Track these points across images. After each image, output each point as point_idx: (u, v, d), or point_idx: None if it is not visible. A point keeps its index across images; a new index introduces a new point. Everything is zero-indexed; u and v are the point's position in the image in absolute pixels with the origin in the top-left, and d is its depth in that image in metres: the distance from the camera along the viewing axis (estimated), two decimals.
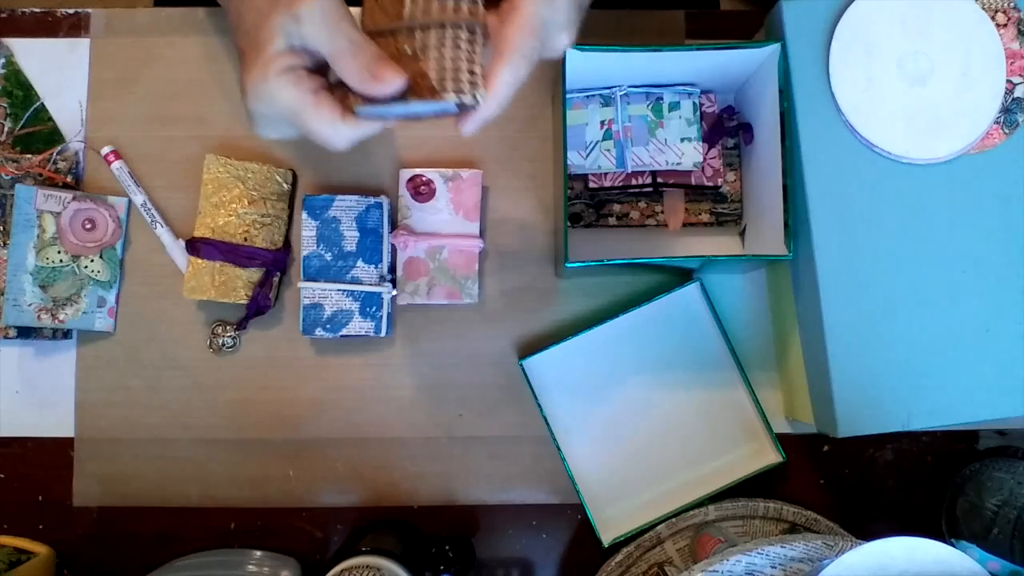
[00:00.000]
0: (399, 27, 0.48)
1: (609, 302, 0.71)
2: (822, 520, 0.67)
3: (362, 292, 0.68)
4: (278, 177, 0.69)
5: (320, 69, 0.48)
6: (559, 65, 0.62)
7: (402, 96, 0.47)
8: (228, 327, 0.70)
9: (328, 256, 0.68)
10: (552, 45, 0.49)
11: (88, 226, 0.69)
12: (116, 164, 0.70)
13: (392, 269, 0.69)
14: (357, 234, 0.68)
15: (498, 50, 0.46)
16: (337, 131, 0.47)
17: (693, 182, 0.69)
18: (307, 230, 0.68)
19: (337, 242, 0.68)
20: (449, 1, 0.49)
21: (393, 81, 0.46)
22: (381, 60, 0.46)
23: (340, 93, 0.49)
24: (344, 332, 0.67)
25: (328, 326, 0.67)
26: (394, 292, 0.68)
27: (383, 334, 0.68)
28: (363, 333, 0.68)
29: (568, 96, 0.68)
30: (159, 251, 0.71)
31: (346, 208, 0.68)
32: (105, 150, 0.70)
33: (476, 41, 0.48)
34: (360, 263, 0.68)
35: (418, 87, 0.47)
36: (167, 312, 0.71)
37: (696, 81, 0.68)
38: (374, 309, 0.68)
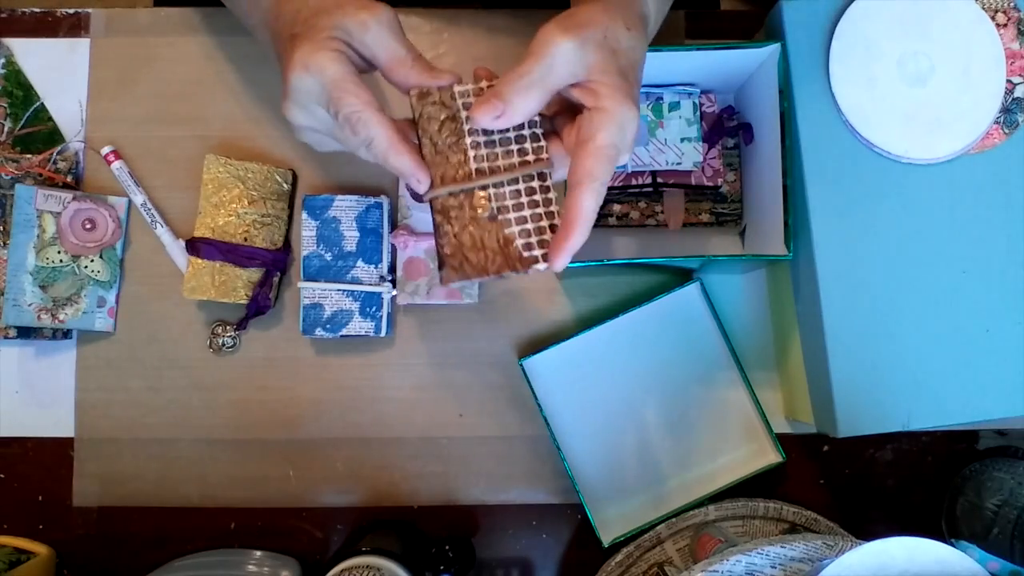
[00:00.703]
0: (472, 184, 0.48)
1: (609, 302, 0.71)
2: (822, 520, 0.67)
3: (362, 292, 0.68)
4: (278, 177, 0.69)
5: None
6: None
7: (484, 269, 0.47)
8: (228, 327, 0.70)
9: (328, 256, 0.68)
10: (628, 138, 0.48)
11: (88, 226, 0.69)
12: (116, 164, 0.70)
13: (392, 269, 0.69)
14: (357, 234, 0.68)
15: (577, 179, 0.45)
16: (378, 130, 0.47)
17: (693, 182, 0.69)
18: (307, 230, 0.68)
19: (337, 242, 0.68)
20: (513, 145, 0.48)
21: (447, 78, 0.48)
22: (434, 69, 0.48)
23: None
24: (344, 332, 0.67)
25: (328, 326, 0.67)
26: (394, 292, 0.68)
27: (383, 334, 0.68)
28: (363, 333, 0.68)
29: None
30: (159, 251, 0.71)
31: (346, 208, 0.68)
32: (105, 150, 0.70)
33: (549, 189, 0.48)
34: (360, 263, 0.68)
35: (507, 256, 0.47)
36: (167, 312, 0.71)
37: (696, 81, 0.68)
38: (374, 309, 0.68)
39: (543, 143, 0.48)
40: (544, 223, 0.48)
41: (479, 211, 0.48)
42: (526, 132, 0.48)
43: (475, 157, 0.48)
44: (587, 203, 0.45)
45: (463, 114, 0.48)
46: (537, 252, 0.47)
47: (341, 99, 0.46)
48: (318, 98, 0.47)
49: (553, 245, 0.46)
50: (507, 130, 0.48)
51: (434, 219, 0.48)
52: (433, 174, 0.48)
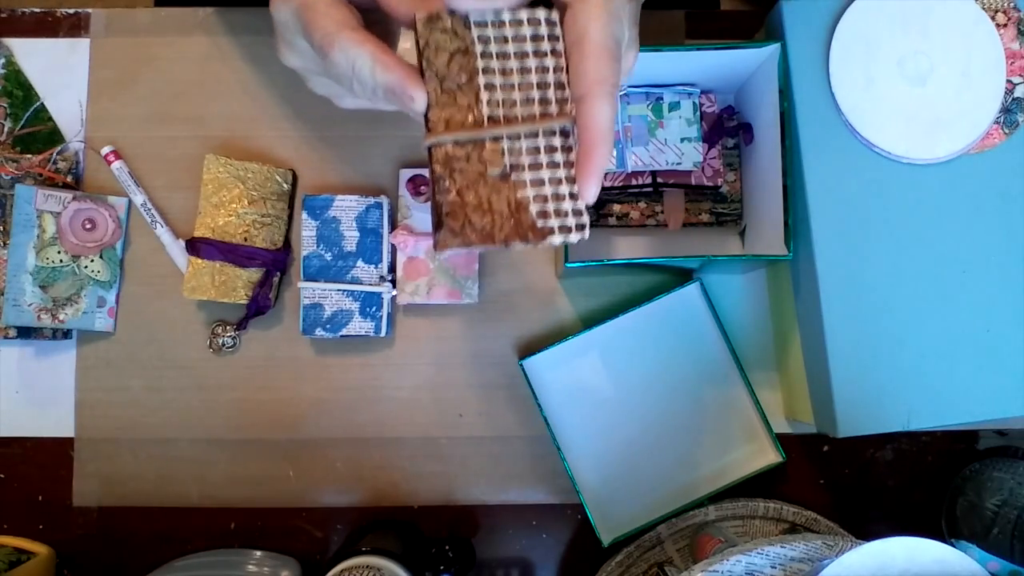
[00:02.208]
0: (482, 134, 0.40)
1: (609, 302, 0.71)
2: (822, 520, 0.67)
3: (362, 292, 0.68)
4: (278, 177, 0.69)
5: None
6: None
7: (490, 236, 0.40)
8: (228, 327, 0.70)
9: (328, 256, 0.68)
10: (624, 66, 0.43)
11: (88, 226, 0.69)
12: (116, 164, 0.70)
13: (392, 269, 0.69)
14: (357, 234, 0.68)
15: (583, 89, 0.39)
16: (364, 55, 0.40)
17: (693, 182, 0.69)
18: (307, 230, 0.68)
19: (337, 242, 0.68)
20: (535, 92, 0.40)
21: (419, 101, 0.40)
22: (402, 81, 0.40)
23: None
24: (344, 332, 0.67)
25: (328, 326, 0.67)
26: (394, 292, 0.68)
27: (383, 334, 0.68)
28: (363, 333, 0.68)
29: None
30: (159, 251, 0.71)
31: (346, 208, 0.68)
32: (105, 150, 0.70)
33: (572, 150, 0.41)
34: (360, 263, 0.68)
35: (518, 224, 0.40)
36: (167, 312, 0.71)
37: (696, 81, 0.68)
38: (374, 309, 0.68)
39: (568, 93, 0.40)
40: (564, 189, 0.40)
41: (489, 167, 0.40)
42: (551, 78, 0.41)
43: (489, 101, 0.40)
44: (602, 113, 0.39)
45: (478, 48, 0.40)
46: (553, 223, 0.40)
47: (311, 23, 0.40)
48: (298, 30, 0.41)
49: (579, 174, 0.40)
50: (529, 71, 0.40)
51: (433, 171, 0.40)
52: (437, 116, 0.40)
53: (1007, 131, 0.61)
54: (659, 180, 0.69)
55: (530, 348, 0.70)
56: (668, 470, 0.69)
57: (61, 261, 0.68)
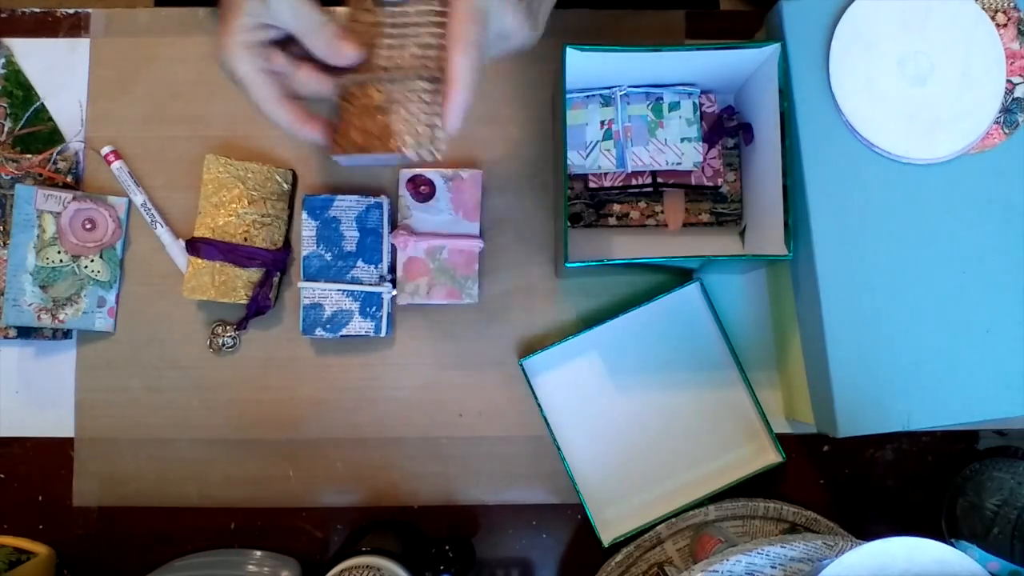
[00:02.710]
0: (372, 77, 0.54)
1: (609, 302, 0.71)
2: (822, 520, 0.67)
3: (362, 292, 0.68)
4: (278, 177, 0.69)
5: (284, 40, 0.53)
6: (559, 65, 0.62)
7: (365, 148, 0.53)
8: (228, 327, 0.70)
9: (328, 256, 0.68)
10: (504, 35, 0.52)
11: (88, 226, 0.69)
12: (116, 164, 0.70)
13: (392, 269, 0.69)
14: (357, 234, 0.68)
15: (450, 42, 0.49)
16: (273, 112, 0.53)
17: (693, 182, 0.69)
18: (307, 230, 0.68)
19: (337, 242, 0.68)
20: (419, 52, 0.53)
21: (351, 54, 0.53)
22: (341, 38, 0.53)
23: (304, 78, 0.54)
24: (344, 332, 0.67)
25: (328, 326, 0.67)
26: (394, 292, 0.68)
27: (383, 334, 0.68)
28: (363, 333, 0.68)
29: (568, 96, 0.68)
30: (159, 251, 0.71)
31: (346, 208, 0.68)
32: (105, 150, 0.70)
33: (437, 92, 0.52)
34: (360, 263, 0.68)
35: (386, 142, 0.53)
36: (167, 312, 0.71)
37: (696, 81, 0.68)
38: (374, 309, 0.68)
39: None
40: (424, 124, 0.52)
41: (372, 100, 0.54)
42: (434, 42, 0.52)
43: (384, 56, 0.53)
44: (460, 63, 0.49)
45: (386, 20, 0.54)
46: (413, 142, 0.52)
47: (250, 96, 0.53)
48: (236, 81, 0.53)
49: (443, 111, 0.50)
50: (419, 37, 0.53)
51: (337, 102, 0.55)
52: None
53: (1007, 131, 0.61)
54: (659, 180, 0.69)
55: (530, 348, 0.70)
56: (668, 470, 0.69)
57: (61, 261, 0.68)
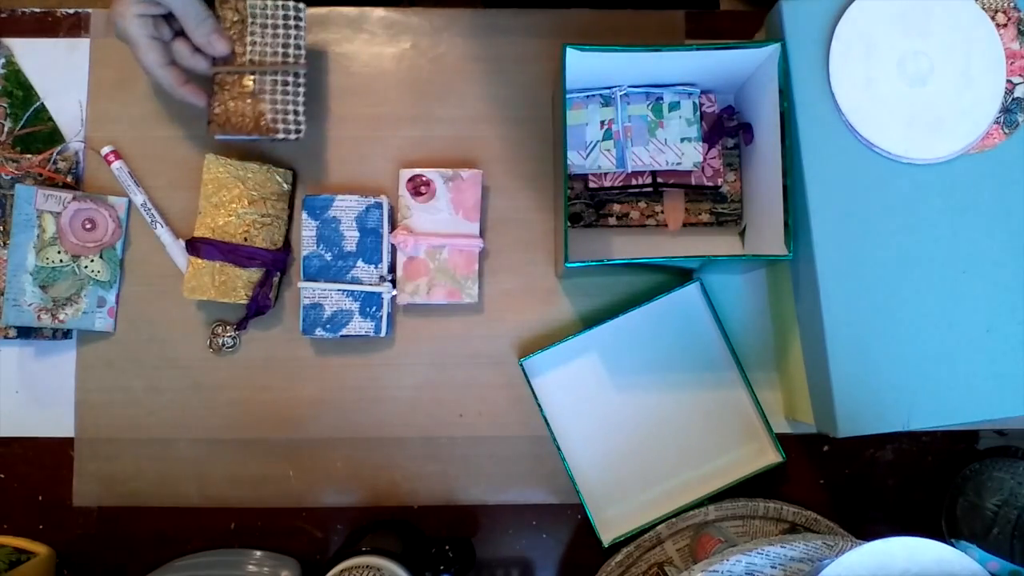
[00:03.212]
0: (244, 69, 0.66)
1: (609, 302, 0.71)
2: (822, 520, 0.67)
3: (362, 292, 0.68)
4: (278, 177, 0.69)
5: (168, 16, 0.63)
6: (559, 65, 0.62)
7: (240, 129, 0.65)
8: (228, 327, 0.70)
9: (328, 256, 0.68)
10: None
11: (88, 226, 0.69)
12: (116, 164, 0.70)
13: (392, 269, 0.69)
14: (357, 234, 0.68)
15: None
16: (156, 72, 0.64)
17: (693, 182, 0.69)
18: (307, 230, 0.68)
19: (337, 242, 0.68)
20: (280, 49, 0.66)
21: (222, 49, 0.65)
22: (217, 33, 0.64)
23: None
24: (344, 332, 0.67)
25: (328, 326, 0.67)
26: (394, 292, 0.68)
27: (383, 334, 0.68)
28: (363, 333, 0.68)
29: (568, 96, 0.68)
30: (159, 251, 0.71)
31: (346, 208, 0.68)
32: (105, 150, 0.70)
33: (300, 84, 0.67)
34: (360, 263, 0.68)
35: (258, 125, 0.66)
36: (167, 312, 0.71)
37: (696, 81, 0.68)
38: (374, 309, 0.68)
39: (303, 51, 0.67)
40: (290, 108, 0.66)
41: (245, 88, 0.66)
42: (292, 42, 0.66)
43: (251, 52, 0.66)
44: None
45: (248, 19, 0.66)
46: (280, 126, 0.66)
47: (137, 55, 0.63)
48: (128, 43, 0.63)
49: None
50: (279, 36, 0.66)
51: (212, 89, 0.66)
52: (219, 58, 0.65)
53: (1007, 131, 0.61)
54: (659, 180, 0.69)
55: (530, 348, 0.70)
56: (668, 470, 0.69)
57: (61, 261, 0.68)
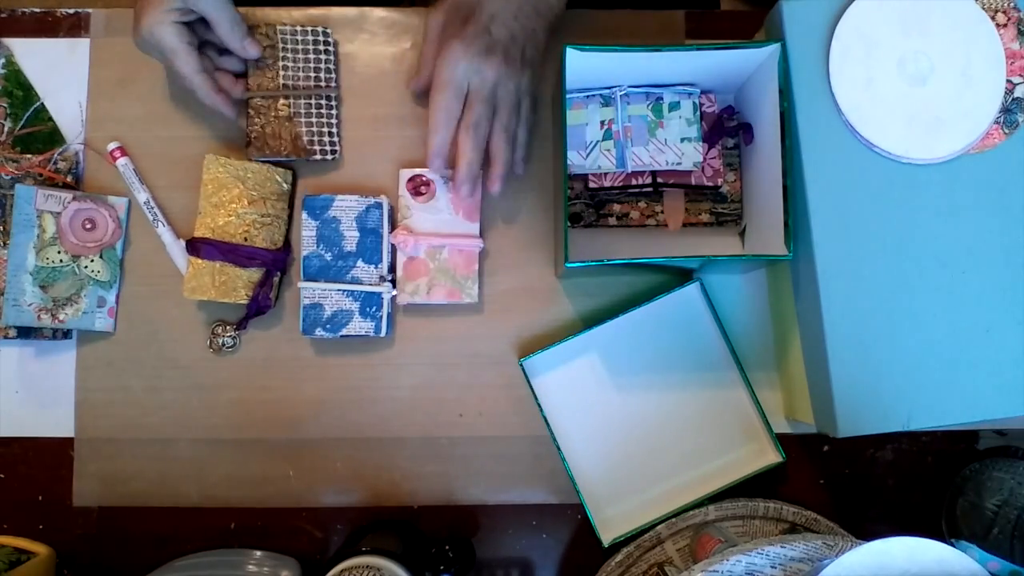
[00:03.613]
0: (278, 94, 0.68)
1: (609, 302, 0.71)
2: (822, 520, 0.67)
3: (362, 292, 0.68)
4: (278, 177, 0.69)
5: (201, 23, 0.64)
6: (559, 65, 0.62)
7: (278, 152, 0.68)
8: (228, 327, 0.70)
9: (328, 256, 0.68)
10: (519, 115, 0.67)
11: (88, 226, 0.69)
12: (121, 160, 0.70)
13: (392, 269, 0.69)
14: (357, 234, 0.68)
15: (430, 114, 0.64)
16: (194, 80, 0.65)
17: (693, 182, 0.69)
18: (307, 230, 0.68)
19: (337, 242, 0.68)
20: (312, 74, 0.69)
21: (255, 52, 0.67)
22: (250, 37, 0.66)
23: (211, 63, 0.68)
24: (344, 332, 0.67)
25: (328, 326, 0.67)
26: (394, 292, 0.68)
27: (383, 334, 0.68)
28: (363, 333, 0.68)
29: (568, 96, 0.68)
30: (159, 251, 0.71)
31: (346, 208, 0.68)
32: (111, 146, 0.70)
33: (333, 107, 0.70)
34: (360, 263, 0.68)
35: (296, 147, 0.68)
36: (167, 312, 0.71)
37: (696, 81, 0.68)
38: (374, 309, 0.68)
39: (334, 75, 0.70)
40: (324, 130, 0.69)
41: (280, 112, 0.68)
42: (322, 67, 0.69)
43: (283, 76, 0.68)
44: (433, 135, 0.63)
45: (280, 45, 0.68)
46: (316, 148, 0.69)
47: (174, 63, 0.64)
48: (159, 52, 0.64)
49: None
50: (310, 61, 0.69)
51: (248, 113, 0.68)
52: (252, 83, 0.68)
53: (1007, 131, 0.61)
54: (659, 180, 0.69)
55: (530, 348, 0.70)
56: (668, 470, 0.69)
57: (61, 261, 0.68)
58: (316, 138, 0.69)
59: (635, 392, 0.70)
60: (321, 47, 0.69)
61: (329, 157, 0.69)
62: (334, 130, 0.69)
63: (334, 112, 0.70)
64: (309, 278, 0.68)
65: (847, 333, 0.60)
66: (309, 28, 0.69)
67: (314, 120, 0.69)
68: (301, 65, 0.68)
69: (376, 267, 0.68)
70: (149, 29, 0.62)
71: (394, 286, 0.69)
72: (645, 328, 0.70)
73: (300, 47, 0.69)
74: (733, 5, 1.03)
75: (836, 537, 0.50)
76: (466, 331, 0.71)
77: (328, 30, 0.69)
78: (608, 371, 0.70)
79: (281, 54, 0.68)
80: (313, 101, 0.68)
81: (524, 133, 0.67)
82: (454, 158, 0.64)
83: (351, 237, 0.68)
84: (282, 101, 0.68)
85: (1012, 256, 0.60)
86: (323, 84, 0.69)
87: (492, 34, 0.62)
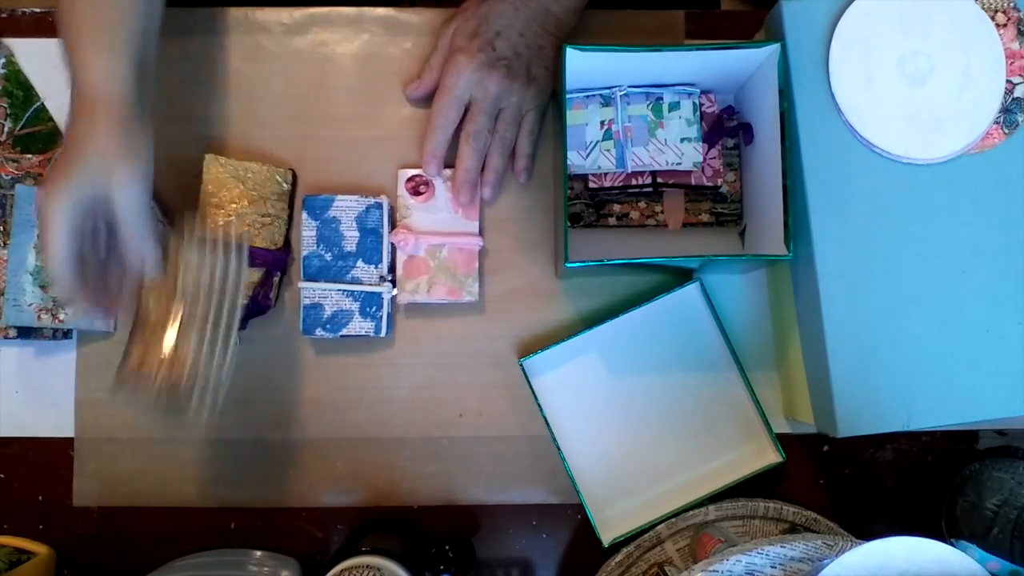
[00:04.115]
0: (159, 338, 0.58)
1: (609, 302, 0.71)
2: (822, 520, 0.67)
3: (362, 292, 0.68)
4: (278, 177, 0.69)
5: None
6: (559, 65, 0.62)
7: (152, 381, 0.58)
8: None
9: (328, 256, 0.68)
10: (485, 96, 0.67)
11: None
12: None
13: (392, 269, 0.69)
14: (357, 234, 0.68)
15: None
16: (61, 267, 0.53)
17: (693, 182, 0.69)
18: (307, 230, 0.68)
19: (337, 242, 0.68)
20: (210, 313, 0.58)
21: (155, 274, 0.56)
22: (158, 261, 0.56)
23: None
24: (344, 332, 0.67)
25: (328, 326, 0.67)
26: (394, 292, 0.68)
27: (383, 334, 0.68)
28: (363, 333, 0.68)
29: (568, 96, 0.68)
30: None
31: (346, 208, 0.68)
32: None
33: (229, 354, 0.59)
34: (360, 263, 0.68)
35: (171, 380, 0.58)
36: None
37: (696, 81, 0.68)
38: (374, 309, 0.68)
39: (235, 330, 0.59)
40: (211, 373, 0.59)
41: (164, 340, 0.58)
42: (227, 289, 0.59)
43: (181, 316, 0.58)
44: (433, 112, 0.66)
45: (180, 281, 0.58)
46: (191, 385, 0.58)
47: (51, 243, 0.53)
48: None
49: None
50: (213, 280, 0.59)
51: (132, 326, 0.60)
52: (134, 350, 0.59)
53: (1007, 131, 0.61)
54: (659, 180, 0.69)
55: (530, 348, 0.70)
56: (668, 470, 0.69)
57: None
58: (194, 379, 0.58)
59: (635, 392, 0.70)
60: (232, 269, 0.60)
61: (195, 399, 0.59)
62: (220, 393, 0.59)
63: (230, 354, 0.60)
64: (309, 278, 0.68)
65: (847, 333, 0.60)
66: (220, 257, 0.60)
67: (200, 362, 0.58)
68: (206, 280, 0.59)
69: (376, 267, 0.68)
70: (41, 200, 0.53)
71: (394, 286, 0.69)
72: (645, 328, 0.70)
73: (205, 281, 0.59)
74: (733, 5, 1.03)
75: (836, 537, 0.50)
76: (466, 331, 0.71)
77: (245, 247, 0.61)
78: (608, 371, 0.70)
79: (174, 317, 0.59)
80: (207, 336, 0.58)
81: (527, 144, 0.69)
82: (450, 163, 0.66)
83: (351, 237, 0.68)
84: (167, 337, 0.58)
85: (1012, 256, 0.60)
86: (223, 322, 0.59)
87: (496, 49, 0.64)
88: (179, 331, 0.58)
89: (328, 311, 0.68)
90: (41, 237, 0.55)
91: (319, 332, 0.68)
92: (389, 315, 0.69)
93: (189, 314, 0.58)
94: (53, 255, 0.53)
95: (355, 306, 0.68)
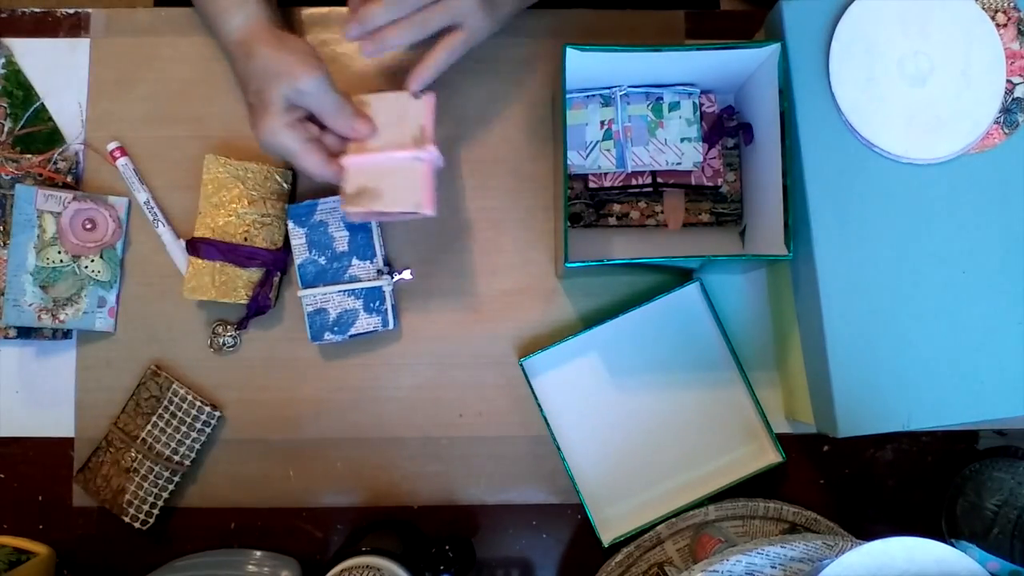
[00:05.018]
0: (132, 445, 0.67)
1: (609, 302, 0.71)
2: (822, 520, 0.67)
3: (363, 289, 0.68)
4: (278, 177, 0.69)
5: (310, 117, 0.63)
6: (559, 65, 0.62)
7: (95, 494, 0.68)
8: (229, 327, 0.70)
9: (322, 260, 0.68)
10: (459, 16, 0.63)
11: (88, 226, 0.69)
12: (122, 160, 0.70)
13: (387, 261, 0.69)
14: (346, 233, 0.68)
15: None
16: (320, 171, 0.63)
17: (693, 182, 0.69)
18: (296, 238, 0.68)
19: (328, 244, 0.68)
20: (174, 445, 0.67)
21: (364, 130, 0.64)
22: (357, 117, 0.63)
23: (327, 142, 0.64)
24: (353, 331, 0.67)
25: (336, 329, 0.67)
26: (395, 278, 0.68)
27: (391, 327, 0.68)
28: (371, 329, 0.68)
29: (568, 96, 0.68)
30: (159, 251, 0.71)
31: (330, 210, 0.68)
32: (111, 146, 0.70)
33: (173, 483, 0.68)
34: (355, 261, 0.68)
35: (115, 501, 0.67)
36: (167, 312, 0.71)
37: (696, 81, 0.68)
38: (378, 303, 0.68)
39: (193, 456, 0.68)
40: (149, 500, 0.67)
41: (123, 461, 0.67)
42: (187, 443, 0.68)
43: (148, 431, 0.68)
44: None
45: (165, 403, 0.68)
46: (131, 511, 0.67)
47: (298, 162, 0.62)
48: (282, 155, 0.63)
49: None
50: (178, 432, 0.68)
51: (100, 445, 0.68)
52: (123, 420, 0.69)
53: (1007, 131, 0.61)
54: (659, 180, 0.69)
55: (530, 348, 0.70)
56: (668, 470, 0.69)
57: (61, 261, 0.68)
58: (137, 503, 0.67)
59: (635, 392, 0.70)
60: (199, 425, 0.68)
61: (137, 525, 0.67)
62: (159, 504, 0.67)
63: (170, 489, 0.68)
64: (307, 285, 0.68)
65: (847, 333, 0.60)
66: (199, 402, 0.68)
67: (147, 486, 0.67)
68: (170, 432, 0.67)
69: (371, 262, 0.68)
70: (267, 139, 0.61)
71: (391, 276, 0.69)
72: (645, 328, 0.70)
73: (180, 415, 0.68)
74: (733, 5, 1.03)
75: (836, 537, 0.50)
76: (466, 331, 0.71)
77: (216, 413, 0.69)
78: (608, 371, 0.70)
79: (160, 411, 0.68)
80: (158, 469, 0.67)
81: (441, 57, 0.63)
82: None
83: (341, 237, 0.68)
84: (133, 452, 0.67)
85: (1012, 256, 0.60)
86: (177, 460, 0.67)
87: None
88: (136, 460, 0.67)
89: (333, 314, 0.68)
90: (291, 160, 0.62)
91: (328, 336, 0.67)
92: (394, 307, 0.69)
93: (150, 446, 0.67)
94: (312, 166, 0.62)
95: (358, 304, 0.68)
